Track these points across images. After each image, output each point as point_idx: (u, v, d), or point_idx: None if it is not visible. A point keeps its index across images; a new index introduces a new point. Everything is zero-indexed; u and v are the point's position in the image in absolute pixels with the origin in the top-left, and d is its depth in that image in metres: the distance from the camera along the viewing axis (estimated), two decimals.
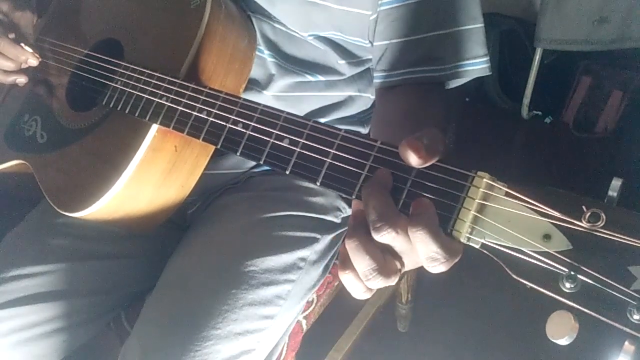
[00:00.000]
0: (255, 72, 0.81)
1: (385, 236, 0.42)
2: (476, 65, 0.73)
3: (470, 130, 2.22)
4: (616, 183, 0.35)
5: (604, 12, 1.87)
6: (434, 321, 1.55)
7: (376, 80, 0.76)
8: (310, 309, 0.94)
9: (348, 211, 0.94)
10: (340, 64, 0.82)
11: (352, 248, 0.43)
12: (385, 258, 0.44)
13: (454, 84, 0.76)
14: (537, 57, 2.09)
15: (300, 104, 0.86)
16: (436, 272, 0.43)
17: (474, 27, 0.72)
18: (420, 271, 1.44)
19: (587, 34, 1.93)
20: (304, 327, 0.93)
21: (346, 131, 0.48)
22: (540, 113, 2.28)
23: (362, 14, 0.73)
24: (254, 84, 0.83)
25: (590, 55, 2.09)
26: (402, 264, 0.45)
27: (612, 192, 0.35)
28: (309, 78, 0.83)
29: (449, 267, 0.42)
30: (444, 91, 0.76)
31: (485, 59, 0.74)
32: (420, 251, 0.42)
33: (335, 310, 1.03)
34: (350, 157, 0.46)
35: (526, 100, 2.21)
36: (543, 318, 0.36)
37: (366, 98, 0.90)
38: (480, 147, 2.13)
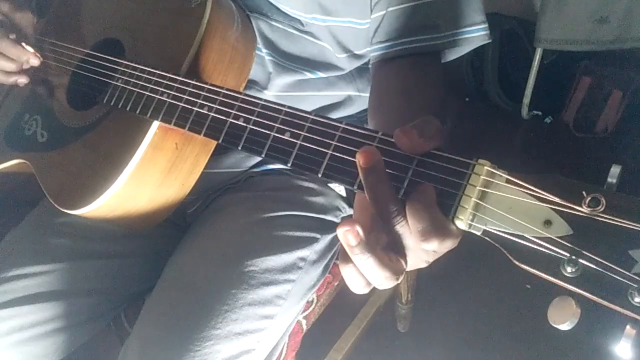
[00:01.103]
0: (255, 72, 0.81)
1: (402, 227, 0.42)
2: (474, 32, 0.73)
3: (470, 131, 2.23)
4: (615, 170, 0.35)
5: (604, 12, 1.87)
6: (434, 321, 1.55)
7: (374, 54, 0.76)
8: (310, 309, 0.94)
9: (348, 211, 0.94)
10: (340, 57, 0.81)
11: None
12: (390, 257, 0.43)
13: (453, 54, 0.76)
14: (537, 57, 2.10)
15: (300, 104, 0.86)
16: (432, 258, 0.43)
17: None
18: (421, 271, 1.44)
19: (587, 34, 1.93)
20: (304, 327, 0.93)
21: (347, 124, 0.48)
22: (540, 113, 2.29)
23: None
24: (253, 84, 0.83)
25: (590, 55, 2.09)
26: (406, 262, 0.45)
27: (612, 179, 0.35)
28: (309, 75, 0.83)
29: (445, 249, 0.42)
30: (441, 67, 0.75)
31: (483, 26, 0.73)
32: (412, 227, 0.42)
33: (335, 310, 1.03)
34: (352, 148, 0.47)
35: (526, 100, 2.21)
36: (543, 318, 0.36)
37: (365, 98, 0.90)
38: (481, 147, 2.13)
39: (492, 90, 2.26)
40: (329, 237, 0.89)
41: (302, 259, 0.83)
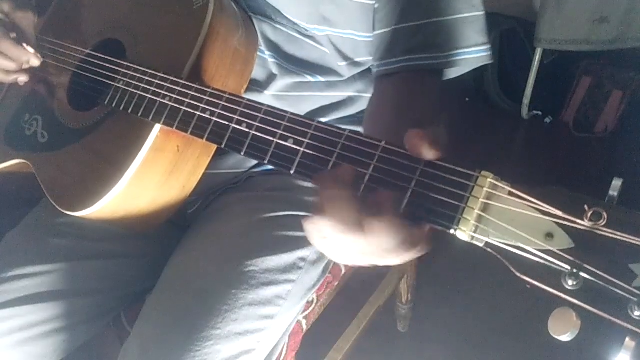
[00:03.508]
0: (256, 73, 0.81)
1: None
2: (475, 53, 0.73)
3: (470, 130, 2.23)
4: (616, 183, 0.36)
5: (604, 12, 1.88)
6: (434, 321, 1.55)
7: (374, 69, 0.77)
8: (310, 309, 0.94)
9: None
10: (340, 65, 0.82)
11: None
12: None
13: (454, 73, 0.76)
14: (537, 57, 2.10)
15: (300, 104, 0.86)
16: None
17: (474, 15, 0.72)
18: (420, 271, 1.45)
19: (587, 34, 1.93)
20: (304, 327, 0.93)
21: (350, 131, 0.48)
22: (540, 113, 2.29)
23: (366, 5, 0.73)
24: (254, 84, 0.83)
25: (590, 55, 2.09)
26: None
27: (613, 192, 0.35)
28: (309, 79, 0.83)
29: (420, 252, 0.43)
30: (439, 82, 0.75)
31: (485, 47, 0.74)
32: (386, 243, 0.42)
33: (335, 310, 1.03)
34: (355, 157, 0.47)
35: (526, 100, 2.21)
36: (543, 318, 0.37)
37: (366, 99, 0.90)
38: (480, 147, 2.13)
39: (492, 90, 2.27)
40: None
41: (302, 259, 0.83)
